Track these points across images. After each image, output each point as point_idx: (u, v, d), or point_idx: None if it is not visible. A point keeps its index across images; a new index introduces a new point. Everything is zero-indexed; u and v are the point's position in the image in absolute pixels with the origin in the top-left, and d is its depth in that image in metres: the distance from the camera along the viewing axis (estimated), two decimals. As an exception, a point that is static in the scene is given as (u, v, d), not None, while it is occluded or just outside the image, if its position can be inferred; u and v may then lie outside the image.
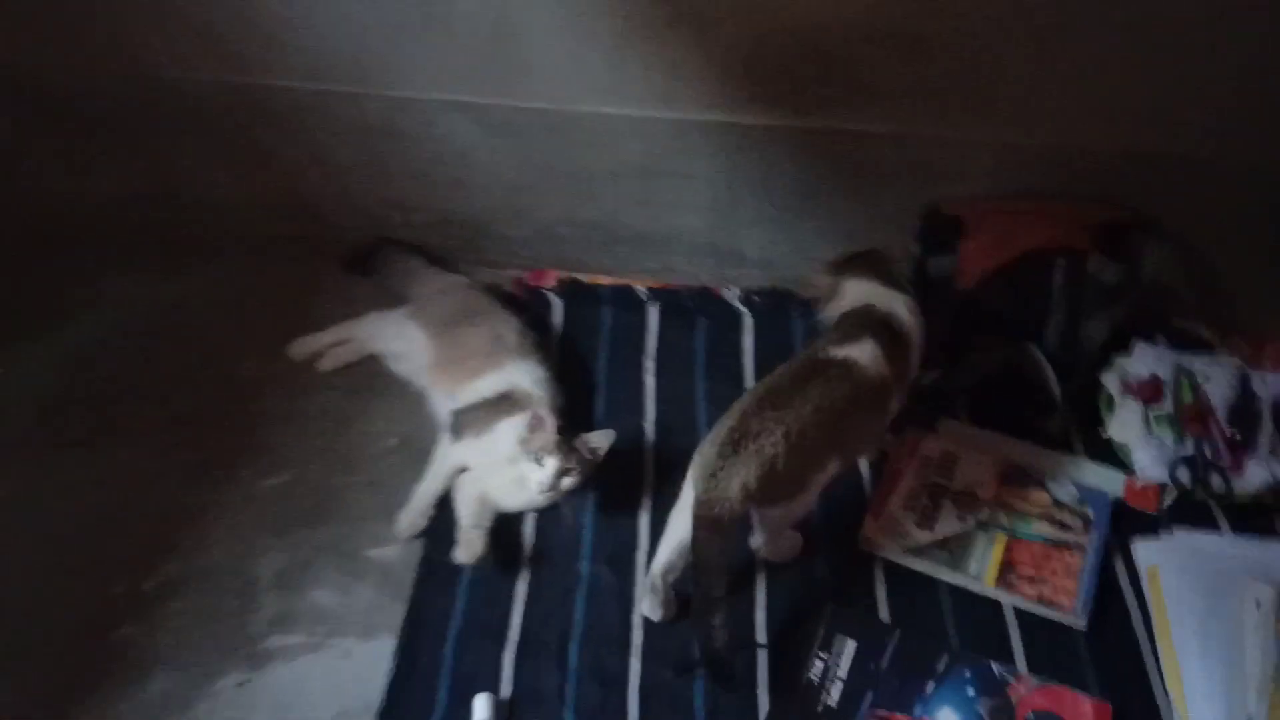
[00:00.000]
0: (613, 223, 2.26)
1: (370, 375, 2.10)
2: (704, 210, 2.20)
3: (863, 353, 1.65)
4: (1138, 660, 1.63)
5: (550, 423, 1.72)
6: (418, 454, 1.94)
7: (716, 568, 1.51)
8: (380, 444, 2.01)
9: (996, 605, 1.72)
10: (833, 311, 1.85)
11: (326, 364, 2.12)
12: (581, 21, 1.88)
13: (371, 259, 2.27)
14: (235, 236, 2.32)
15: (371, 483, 1.94)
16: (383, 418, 2.06)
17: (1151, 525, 1.80)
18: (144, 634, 1.71)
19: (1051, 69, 1.85)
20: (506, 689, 1.63)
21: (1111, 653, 1.64)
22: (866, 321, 1.75)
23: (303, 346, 2.13)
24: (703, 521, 1.49)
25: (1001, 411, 2.02)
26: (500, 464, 1.79)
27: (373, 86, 2.04)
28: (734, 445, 1.50)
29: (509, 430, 1.79)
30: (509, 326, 2.02)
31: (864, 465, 1.94)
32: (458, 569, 1.77)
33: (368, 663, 1.66)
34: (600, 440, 1.76)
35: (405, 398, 2.05)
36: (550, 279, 2.32)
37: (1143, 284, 2.04)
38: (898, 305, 1.80)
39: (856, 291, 1.85)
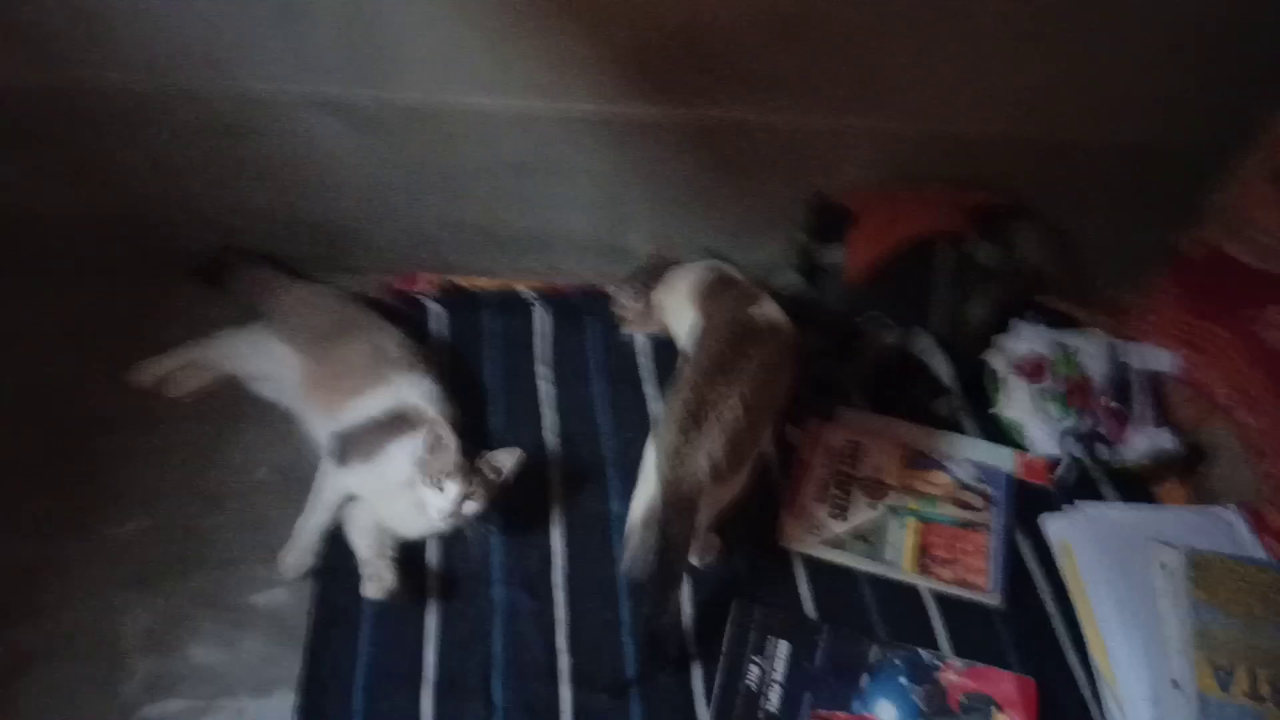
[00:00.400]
0: (491, 222, 2.14)
1: (229, 401, 1.90)
2: (588, 207, 2.12)
3: (774, 310, 1.72)
4: (1052, 634, 1.67)
5: (451, 441, 1.59)
6: (294, 484, 1.76)
7: (684, 545, 1.47)
8: (249, 476, 1.82)
9: (915, 591, 1.72)
10: (661, 317, 1.87)
11: (175, 390, 1.91)
12: (456, 6, 1.75)
13: (219, 269, 2.06)
14: (65, 255, 2.05)
15: (244, 522, 1.74)
16: (248, 447, 1.86)
17: (1048, 500, 1.85)
18: (-9, 717, 1.47)
19: (930, 57, 1.88)
20: (429, 735, 1.49)
21: (1028, 629, 1.68)
22: (739, 284, 1.79)
23: (146, 371, 1.90)
24: (673, 502, 1.44)
25: (895, 397, 2.04)
26: (394, 490, 1.64)
27: (222, 81, 1.84)
28: (694, 419, 1.47)
29: (402, 452, 1.64)
30: (388, 337, 1.87)
31: (774, 462, 1.91)
32: (357, 608, 1.62)
33: (266, 724, 1.49)
34: (506, 459, 1.64)
35: (271, 423, 1.87)
36: (423, 283, 2.18)
37: (1016, 265, 2.10)
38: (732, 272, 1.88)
39: (689, 277, 1.86)
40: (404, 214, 2.12)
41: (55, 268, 2.05)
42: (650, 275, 1.98)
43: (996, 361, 2.02)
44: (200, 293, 2.08)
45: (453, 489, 1.56)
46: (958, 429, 2.00)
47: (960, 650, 1.64)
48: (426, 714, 1.51)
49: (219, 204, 2.07)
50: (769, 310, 1.72)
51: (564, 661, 1.59)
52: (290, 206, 2.09)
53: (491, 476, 1.62)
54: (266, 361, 1.87)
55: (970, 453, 1.92)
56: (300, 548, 1.65)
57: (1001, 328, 2.09)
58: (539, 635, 1.62)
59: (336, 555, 1.68)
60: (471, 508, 1.59)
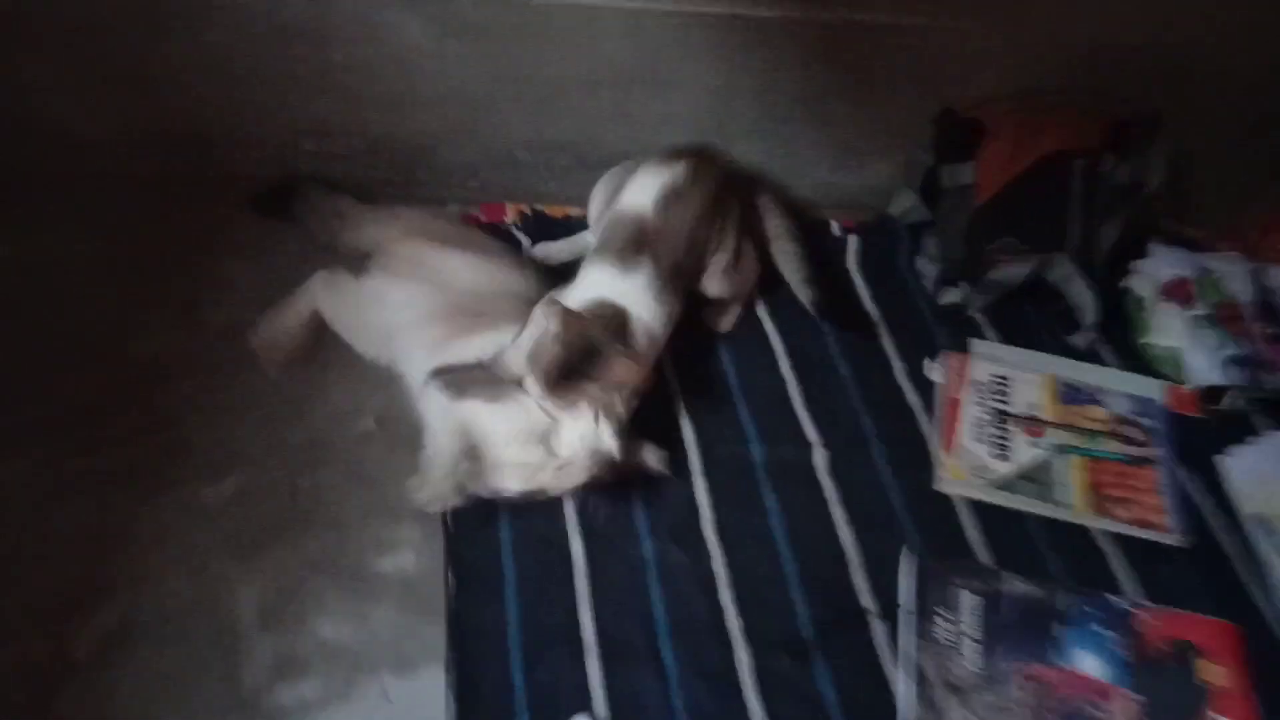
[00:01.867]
0: (584, 143, 1.92)
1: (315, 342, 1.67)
2: (693, 124, 1.91)
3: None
4: (1234, 575, 1.56)
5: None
6: (401, 435, 1.57)
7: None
8: (347, 428, 1.61)
9: (1087, 533, 1.60)
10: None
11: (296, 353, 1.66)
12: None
13: (289, 200, 1.82)
14: (109, 179, 1.80)
15: (351, 478, 1.55)
16: (339, 396, 1.66)
17: (1205, 432, 1.73)
18: (87, 713, 1.26)
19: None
20: (602, 707, 1.33)
21: (1211, 569, 1.56)
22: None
23: (271, 337, 1.65)
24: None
25: (1029, 328, 1.90)
26: (515, 438, 1.45)
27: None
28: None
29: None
30: (519, 266, 1.71)
31: (913, 395, 1.76)
32: (496, 567, 1.45)
33: (416, 703, 1.32)
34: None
35: (359, 368, 1.66)
36: (511, 213, 1.96)
37: (1150, 185, 1.96)
38: None
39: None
40: (488, 133, 1.89)
41: (98, 194, 1.79)
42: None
43: (1142, 288, 1.89)
44: (260, 223, 1.83)
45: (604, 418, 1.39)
46: (1096, 361, 1.86)
47: (1148, 594, 1.52)
48: (595, 682, 1.35)
49: (278, 119, 1.83)
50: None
51: (733, 620, 1.43)
52: (359, 123, 1.86)
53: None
54: (377, 304, 1.63)
55: (1121, 385, 1.79)
56: (440, 478, 1.42)
57: (1135, 252, 1.95)
58: (700, 592, 1.46)
59: (465, 508, 1.49)
60: (608, 444, 1.40)
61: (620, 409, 1.43)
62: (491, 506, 1.50)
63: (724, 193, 1.75)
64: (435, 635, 1.37)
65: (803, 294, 1.84)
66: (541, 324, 1.39)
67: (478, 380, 1.47)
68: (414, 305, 1.58)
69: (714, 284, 1.76)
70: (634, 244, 1.62)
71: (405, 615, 1.40)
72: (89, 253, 1.74)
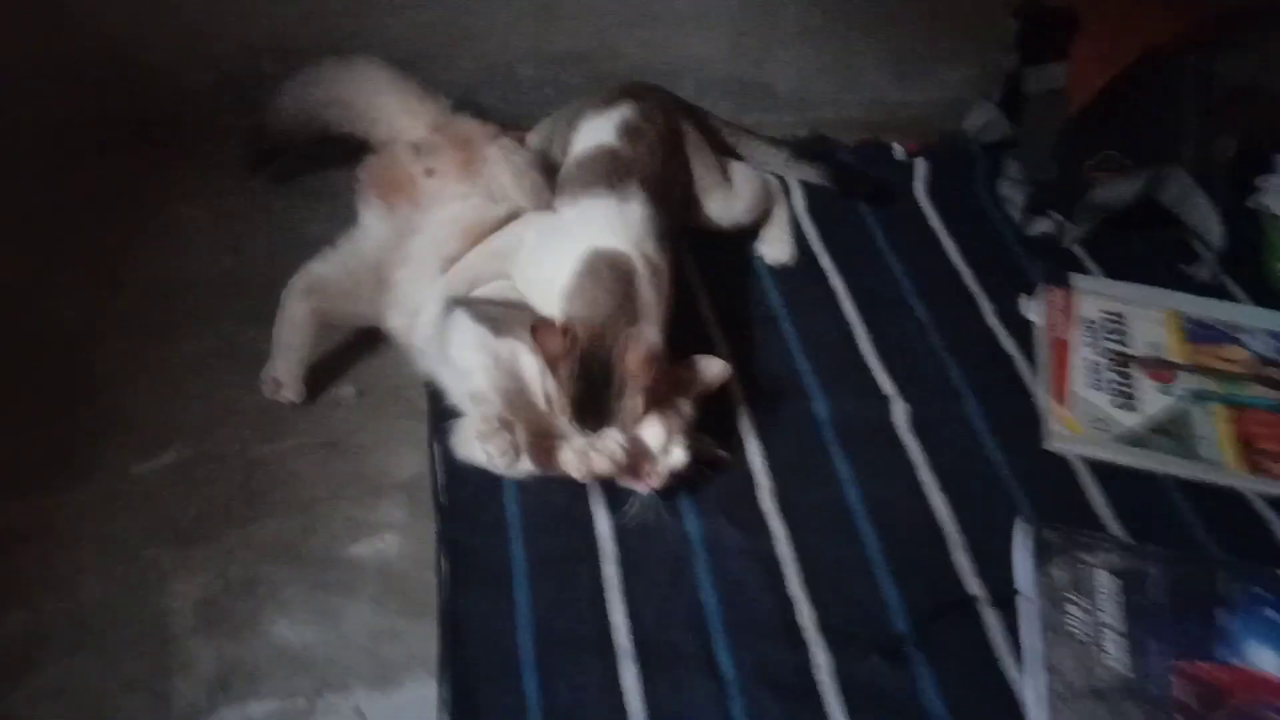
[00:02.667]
0: (599, 53, 1.63)
1: (258, 298, 1.34)
2: (726, 26, 1.62)
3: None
4: None
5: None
6: (381, 400, 1.30)
7: None
8: (323, 393, 1.31)
9: (1240, 497, 1.28)
10: None
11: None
12: None
13: (266, 130, 1.52)
14: (23, 123, 1.50)
15: (322, 448, 1.25)
16: (319, 357, 1.35)
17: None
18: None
19: None
20: (642, 727, 1.02)
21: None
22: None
23: (285, 375, 1.30)
24: None
25: (1138, 261, 1.59)
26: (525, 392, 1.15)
27: None
28: None
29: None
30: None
31: (1007, 339, 1.45)
32: (504, 553, 1.14)
33: (398, 727, 1.00)
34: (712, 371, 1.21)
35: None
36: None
37: (1270, 84, 1.65)
38: None
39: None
40: (482, 44, 1.61)
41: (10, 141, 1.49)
42: None
43: (1277, 205, 1.57)
44: (202, 167, 1.54)
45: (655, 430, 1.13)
46: (1223, 296, 1.55)
47: (1326, 571, 1.19)
48: (631, 696, 1.04)
49: (229, 36, 1.53)
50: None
51: (806, 614, 1.12)
52: (327, 36, 1.56)
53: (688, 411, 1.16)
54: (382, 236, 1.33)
55: (1259, 321, 1.48)
56: (490, 420, 1.09)
57: (1258, 166, 1.63)
58: (763, 581, 1.15)
59: (463, 482, 1.19)
60: (678, 458, 1.15)
61: (689, 411, 1.17)
62: (494, 480, 1.19)
63: (680, 120, 1.47)
64: (423, 638, 1.06)
65: (802, 173, 1.61)
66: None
67: (518, 320, 1.18)
68: (455, 221, 1.31)
69: (717, 207, 1.48)
70: (615, 173, 1.32)
71: (385, 614, 1.09)
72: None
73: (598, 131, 1.38)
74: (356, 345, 1.35)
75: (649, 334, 1.15)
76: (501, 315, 1.20)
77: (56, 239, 1.44)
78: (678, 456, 1.15)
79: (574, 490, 1.20)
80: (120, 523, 1.14)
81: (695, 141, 1.48)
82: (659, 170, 1.36)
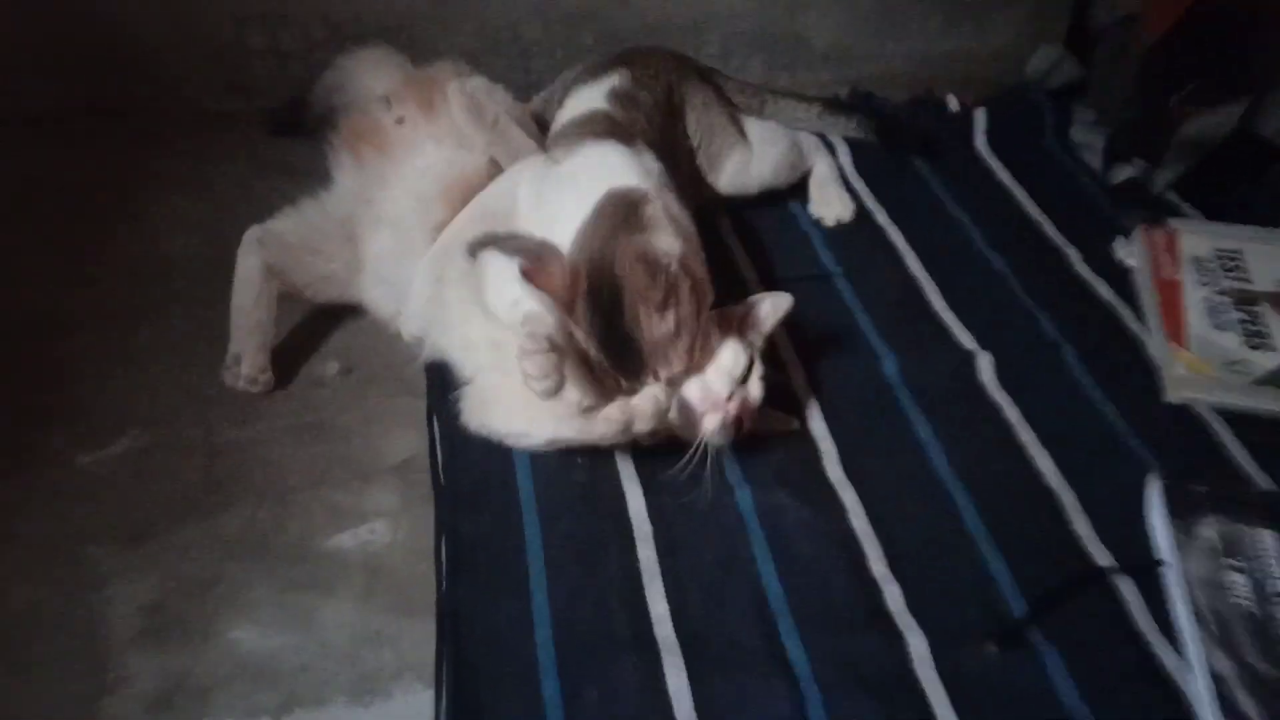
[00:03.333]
0: (610, 8, 1.47)
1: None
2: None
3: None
4: None
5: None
6: (366, 382, 1.12)
7: None
8: (301, 374, 1.13)
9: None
10: None
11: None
12: None
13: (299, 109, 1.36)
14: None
15: (303, 430, 1.06)
16: (295, 335, 1.17)
17: None
18: None
19: None
20: (696, 740, 0.79)
21: None
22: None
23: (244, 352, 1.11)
24: None
25: (1241, 206, 1.37)
26: None
27: None
28: None
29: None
30: None
31: (1102, 287, 1.24)
32: (515, 540, 0.93)
33: (386, 749, 0.79)
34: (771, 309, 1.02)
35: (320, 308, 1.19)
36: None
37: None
38: None
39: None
40: (488, 3, 1.45)
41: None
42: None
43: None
44: (181, 154, 1.40)
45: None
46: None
47: None
48: (680, 698, 0.81)
49: (213, 6, 1.40)
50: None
51: (895, 598, 0.90)
52: (316, 2, 1.42)
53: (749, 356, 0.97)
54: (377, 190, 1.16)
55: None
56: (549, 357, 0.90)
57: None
58: (837, 560, 0.93)
59: (468, 461, 0.99)
60: (757, 392, 0.97)
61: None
62: (505, 456, 0.99)
63: (684, 83, 1.29)
64: (417, 641, 0.86)
65: (838, 127, 1.44)
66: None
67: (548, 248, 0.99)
68: (429, 176, 1.13)
69: (734, 169, 1.31)
70: (614, 131, 1.14)
71: (371, 614, 0.89)
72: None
73: (588, 100, 1.22)
74: (339, 319, 1.18)
75: (653, 240, 0.95)
76: (535, 246, 1.01)
77: (26, 223, 1.29)
78: (756, 389, 0.96)
79: (599, 466, 0.99)
80: (59, 519, 0.96)
81: (702, 103, 1.30)
82: (658, 138, 1.18)
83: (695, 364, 0.94)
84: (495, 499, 0.97)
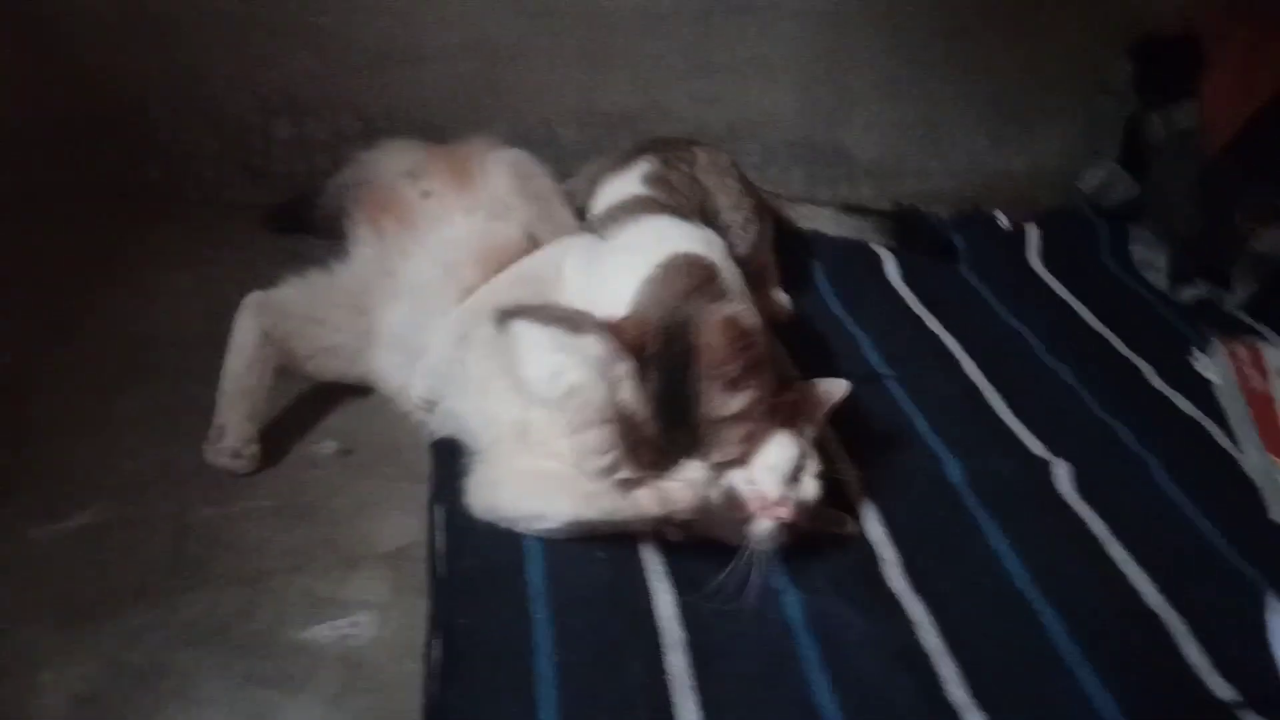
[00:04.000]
0: (648, 111, 1.44)
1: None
2: (794, 77, 1.43)
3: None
4: None
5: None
6: (365, 460, 1.01)
7: None
8: (291, 452, 1.01)
9: None
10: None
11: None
12: None
13: (307, 207, 1.32)
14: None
15: (286, 512, 0.93)
16: (290, 411, 1.07)
17: None
18: None
19: None
20: None
21: None
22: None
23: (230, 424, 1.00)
24: None
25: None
26: None
27: None
28: None
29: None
30: None
31: (1183, 401, 1.12)
32: (526, 638, 0.78)
33: None
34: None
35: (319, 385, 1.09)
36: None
37: None
38: None
39: None
40: (519, 101, 1.43)
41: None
42: None
43: None
44: (194, 228, 1.34)
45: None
46: None
47: None
48: None
49: (237, 93, 1.38)
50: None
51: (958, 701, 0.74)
52: (347, 93, 1.40)
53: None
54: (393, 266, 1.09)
55: None
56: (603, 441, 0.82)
57: None
58: (905, 679, 0.78)
59: (472, 549, 0.86)
60: (811, 490, 0.87)
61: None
62: (515, 546, 0.86)
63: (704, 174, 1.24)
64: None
65: (852, 229, 1.40)
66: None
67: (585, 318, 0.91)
68: (459, 245, 1.06)
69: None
70: (662, 210, 1.08)
71: (344, 716, 0.73)
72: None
73: (622, 188, 1.16)
74: (341, 398, 1.07)
75: (736, 307, 0.85)
76: (571, 316, 0.92)
77: (13, 289, 1.20)
78: (810, 487, 0.85)
79: (623, 560, 0.86)
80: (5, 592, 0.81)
81: (723, 185, 1.24)
82: (699, 217, 1.13)
83: (743, 455, 0.84)
84: (501, 591, 0.83)
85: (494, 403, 0.92)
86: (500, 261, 1.06)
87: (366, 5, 1.33)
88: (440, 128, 1.42)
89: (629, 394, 0.83)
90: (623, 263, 0.94)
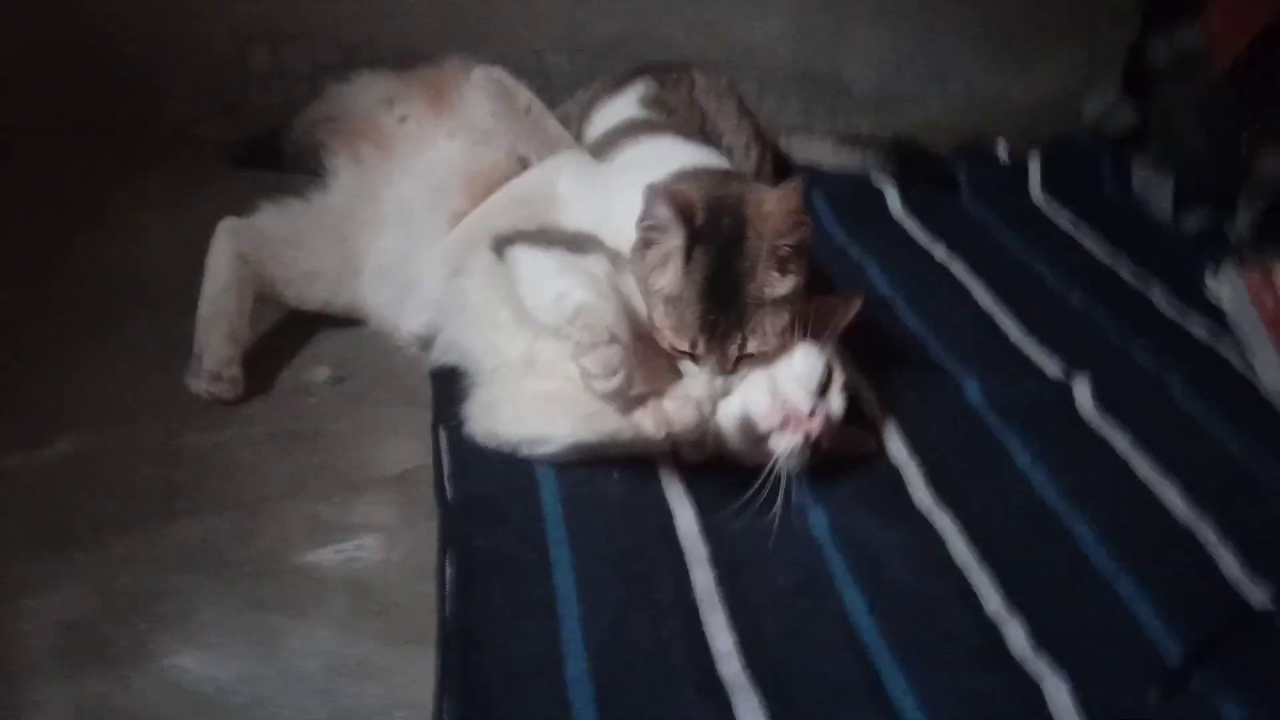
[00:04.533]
0: (638, 39, 1.39)
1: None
2: (791, 4, 1.38)
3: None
4: None
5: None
6: (359, 391, 0.97)
7: None
8: (285, 380, 0.97)
9: None
10: None
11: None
12: None
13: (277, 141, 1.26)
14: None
15: (283, 436, 0.88)
16: (279, 340, 1.02)
17: None
18: None
19: None
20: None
21: None
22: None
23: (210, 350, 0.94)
24: None
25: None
26: None
27: None
28: None
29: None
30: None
31: (1196, 325, 1.10)
32: (543, 555, 0.75)
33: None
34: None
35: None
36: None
37: None
38: None
39: None
40: (506, 28, 1.38)
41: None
42: None
43: None
44: (171, 167, 1.28)
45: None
46: None
47: None
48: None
49: (217, 20, 1.31)
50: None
51: (1016, 635, 0.73)
52: (329, 19, 1.34)
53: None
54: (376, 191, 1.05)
55: None
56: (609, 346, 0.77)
57: None
58: (941, 589, 0.76)
59: (481, 473, 0.82)
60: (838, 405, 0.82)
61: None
62: (526, 471, 0.82)
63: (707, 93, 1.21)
64: (412, 676, 0.66)
65: (851, 158, 1.36)
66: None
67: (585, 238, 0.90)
68: (444, 168, 1.02)
69: None
70: (661, 130, 1.05)
71: (353, 640, 0.69)
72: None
73: (618, 110, 1.13)
74: (332, 325, 1.03)
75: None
76: (572, 237, 0.90)
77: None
78: (837, 402, 0.81)
79: (639, 480, 0.82)
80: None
81: (720, 110, 1.20)
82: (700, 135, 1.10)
83: (772, 352, 0.80)
84: (514, 512, 0.79)
85: (499, 334, 0.87)
86: (488, 185, 1.02)
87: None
88: (425, 57, 1.35)
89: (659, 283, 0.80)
90: (632, 179, 0.90)
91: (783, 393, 0.79)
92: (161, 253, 1.13)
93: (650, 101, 1.13)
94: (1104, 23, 1.40)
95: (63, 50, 1.30)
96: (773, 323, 0.79)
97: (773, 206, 0.79)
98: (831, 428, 0.81)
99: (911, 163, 1.37)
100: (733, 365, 0.80)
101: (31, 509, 0.79)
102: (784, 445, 0.79)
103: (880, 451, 0.89)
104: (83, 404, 0.90)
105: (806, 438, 0.78)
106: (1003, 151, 1.44)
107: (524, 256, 0.88)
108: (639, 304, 0.84)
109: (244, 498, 0.81)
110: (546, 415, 0.82)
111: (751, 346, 0.79)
